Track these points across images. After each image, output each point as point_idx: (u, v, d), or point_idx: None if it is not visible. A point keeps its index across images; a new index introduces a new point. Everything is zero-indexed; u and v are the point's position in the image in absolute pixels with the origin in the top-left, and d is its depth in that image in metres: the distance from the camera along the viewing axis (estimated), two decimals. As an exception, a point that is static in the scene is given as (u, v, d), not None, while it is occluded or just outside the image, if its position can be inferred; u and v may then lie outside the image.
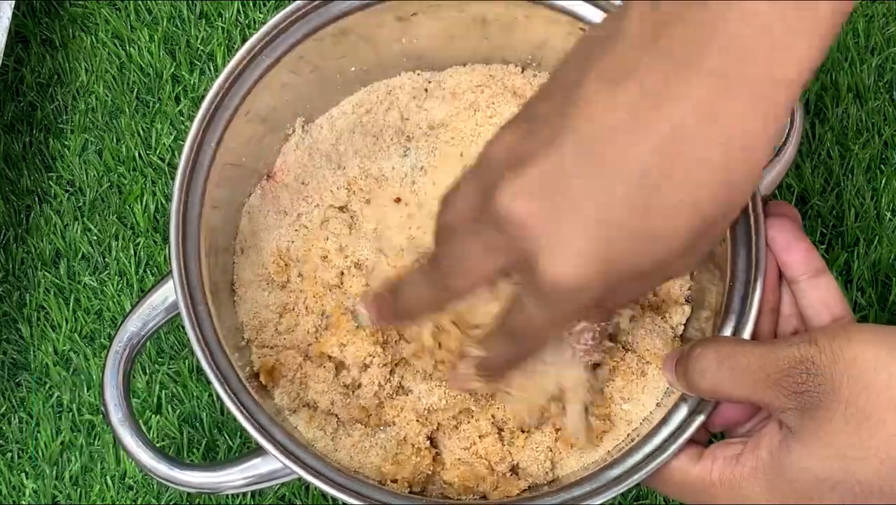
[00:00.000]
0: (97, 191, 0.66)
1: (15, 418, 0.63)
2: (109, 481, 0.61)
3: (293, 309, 0.54)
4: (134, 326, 0.51)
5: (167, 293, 0.51)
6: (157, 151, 0.66)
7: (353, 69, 0.56)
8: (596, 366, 0.51)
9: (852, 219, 0.64)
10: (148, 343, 0.60)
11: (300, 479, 0.48)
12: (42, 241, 0.65)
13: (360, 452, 0.51)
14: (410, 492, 0.51)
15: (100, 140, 0.67)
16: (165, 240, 0.64)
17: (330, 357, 0.52)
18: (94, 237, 0.65)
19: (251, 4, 0.69)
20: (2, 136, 0.67)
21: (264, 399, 0.51)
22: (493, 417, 0.52)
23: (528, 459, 0.51)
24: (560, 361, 0.48)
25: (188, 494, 0.61)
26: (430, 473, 0.52)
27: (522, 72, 0.58)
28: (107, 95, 0.68)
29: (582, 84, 0.37)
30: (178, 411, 0.62)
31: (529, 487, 0.51)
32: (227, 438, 0.61)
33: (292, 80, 0.54)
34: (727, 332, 0.49)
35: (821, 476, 0.42)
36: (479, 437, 0.51)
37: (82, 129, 0.67)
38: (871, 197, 0.64)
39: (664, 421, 0.49)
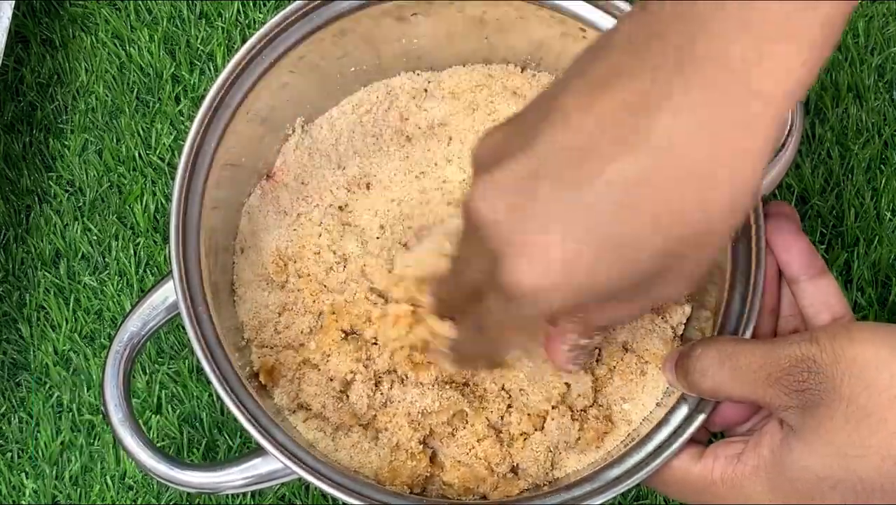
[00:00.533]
0: (97, 191, 0.66)
1: (15, 418, 0.63)
2: (109, 481, 0.61)
3: (292, 309, 0.54)
4: (134, 326, 0.51)
5: (167, 293, 0.51)
6: (157, 151, 0.66)
7: (353, 69, 0.56)
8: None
9: (852, 219, 0.64)
10: (148, 343, 0.60)
11: (300, 479, 0.48)
12: (42, 241, 0.65)
13: (360, 452, 0.51)
14: (410, 493, 0.51)
15: (100, 140, 0.67)
16: (165, 240, 0.64)
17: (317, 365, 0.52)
18: (94, 237, 0.65)
19: (251, 4, 0.69)
20: (2, 136, 0.67)
21: (264, 399, 0.51)
22: (487, 419, 0.52)
23: (528, 459, 0.51)
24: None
25: (188, 494, 0.61)
26: (428, 474, 0.52)
27: (522, 72, 0.58)
28: (107, 95, 0.68)
29: (567, 88, 0.36)
30: (178, 411, 0.62)
31: (529, 487, 0.52)
32: (227, 438, 0.61)
33: (292, 80, 0.54)
34: (727, 332, 0.49)
35: (822, 474, 0.42)
36: (478, 440, 0.51)
37: (82, 129, 0.67)
38: (871, 197, 0.64)
39: (664, 421, 0.49)
